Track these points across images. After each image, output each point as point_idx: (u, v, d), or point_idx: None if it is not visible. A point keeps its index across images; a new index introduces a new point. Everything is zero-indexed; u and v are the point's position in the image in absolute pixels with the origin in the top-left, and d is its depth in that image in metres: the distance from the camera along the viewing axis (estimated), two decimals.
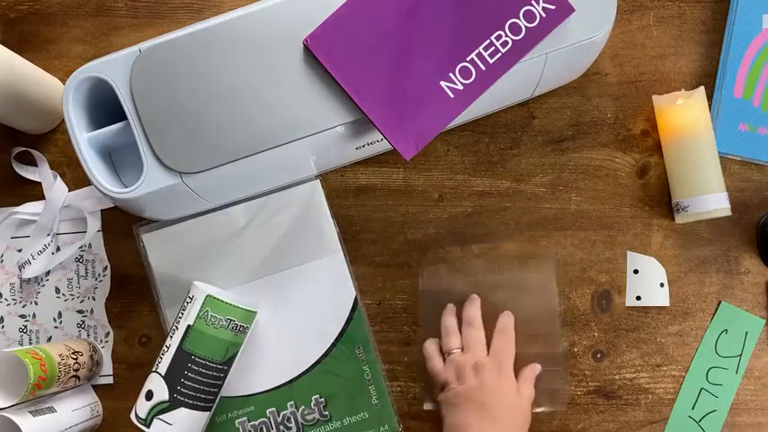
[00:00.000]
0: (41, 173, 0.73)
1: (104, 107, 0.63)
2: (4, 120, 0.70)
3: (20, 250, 0.73)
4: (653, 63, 0.74)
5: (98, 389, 0.72)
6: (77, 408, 0.69)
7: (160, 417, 0.63)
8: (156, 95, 0.60)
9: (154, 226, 0.71)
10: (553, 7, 0.61)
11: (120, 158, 0.68)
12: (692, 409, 0.72)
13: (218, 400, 0.67)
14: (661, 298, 0.72)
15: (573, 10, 0.61)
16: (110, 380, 0.72)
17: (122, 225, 0.73)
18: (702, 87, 0.70)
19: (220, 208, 0.71)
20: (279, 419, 0.70)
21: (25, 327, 0.73)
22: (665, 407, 0.72)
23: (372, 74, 0.61)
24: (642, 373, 0.72)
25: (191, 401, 0.63)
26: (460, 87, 0.61)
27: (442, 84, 0.61)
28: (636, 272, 0.73)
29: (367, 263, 0.73)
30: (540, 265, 0.72)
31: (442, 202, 0.74)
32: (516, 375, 0.68)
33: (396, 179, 0.74)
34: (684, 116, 0.70)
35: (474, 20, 0.61)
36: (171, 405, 0.63)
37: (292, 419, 0.70)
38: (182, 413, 0.63)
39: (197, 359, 0.64)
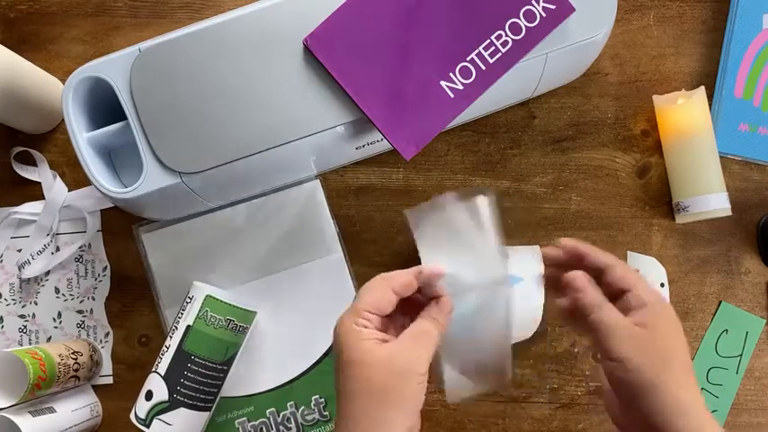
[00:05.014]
0: (41, 173, 0.73)
1: (104, 107, 0.63)
2: (4, 120, 0.70)
3: (19, 250, 0.73)
4: (653, 63, 0.74)
5: (98, 389, 0.72)
6: (77, 408, 0.68)
7: (160, 417, 0.63)
8: (155, 95, 0.60)
9: (154, 226, 0.71)
10: (553, 7, 0.61)
11: (120, 158, 0.68)
12: None
13: (217, 400, 0.67)
14: None
15: (573, 10, 0.61)
16: (109, 380, 0.72)
17: (122, 225, 0.73)
18: (703, 87, 0.70)
19: (220, 208, 0.71)
20: (279, 420, 0.70)
21: (25, 327, 0.73)
22: None
23: (372, 74, 0.60)
24: None
25: (190, 402, 0.63)
26: (460, 87, 0.61)
27: (442, 84, 0.61)
28: (636, 272, 0.72)
29: (367, 263, 0.73)
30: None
31: None
32: None
33: (396, 179, 0.74)
34: (685, 116, 0.70)
35: (474, 19, 0.61)
36: (170, 405, 0.63)
37: (292, 420, 0.70)
38: (181, 413, 0.63)
39: (197, 359, 0.64)
